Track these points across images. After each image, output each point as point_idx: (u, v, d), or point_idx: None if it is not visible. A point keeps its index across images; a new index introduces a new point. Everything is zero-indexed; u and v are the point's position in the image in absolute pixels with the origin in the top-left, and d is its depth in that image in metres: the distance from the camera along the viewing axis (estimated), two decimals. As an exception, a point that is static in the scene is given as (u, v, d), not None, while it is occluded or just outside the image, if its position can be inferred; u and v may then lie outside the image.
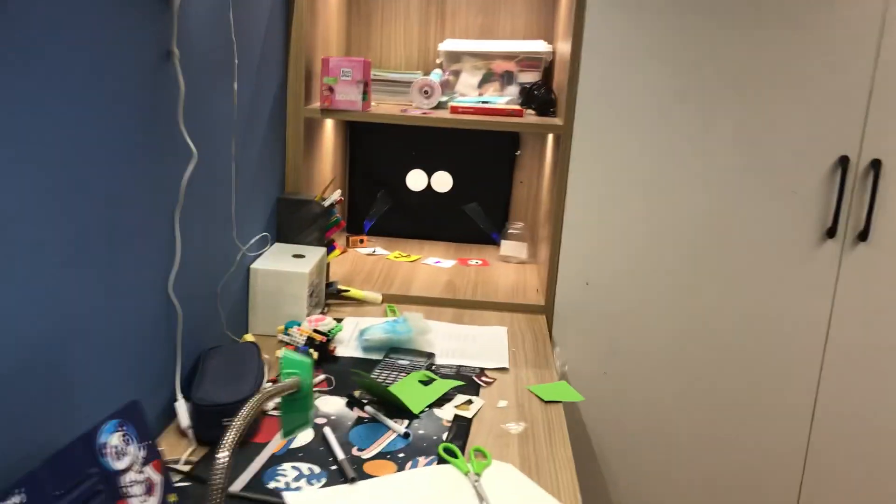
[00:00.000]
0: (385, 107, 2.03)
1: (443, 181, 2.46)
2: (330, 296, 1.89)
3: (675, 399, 1.95)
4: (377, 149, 2.45)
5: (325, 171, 2.19)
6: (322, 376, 1.48)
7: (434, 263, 2.24)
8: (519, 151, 2.45)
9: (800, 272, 1.86)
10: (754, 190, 1.83)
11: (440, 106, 2.07)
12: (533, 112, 2.09)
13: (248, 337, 1.62)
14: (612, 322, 1.92)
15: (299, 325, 1.61)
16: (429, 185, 2.46)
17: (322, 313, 1.82)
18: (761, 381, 1.92)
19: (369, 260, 2.24)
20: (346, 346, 1.64)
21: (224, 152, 1.44)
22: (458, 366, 1.57)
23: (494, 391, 1.49)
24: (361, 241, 2.36)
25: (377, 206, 2.45)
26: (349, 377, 1.49)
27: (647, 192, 1.85)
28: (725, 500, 1.99)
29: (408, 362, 1.55)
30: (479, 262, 2.28)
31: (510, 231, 2.32)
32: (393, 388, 1.41)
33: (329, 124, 2.20)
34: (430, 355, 1.59)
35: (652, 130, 1.82)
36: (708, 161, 1.82)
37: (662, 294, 1.90)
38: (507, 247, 2.30)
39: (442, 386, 1.45)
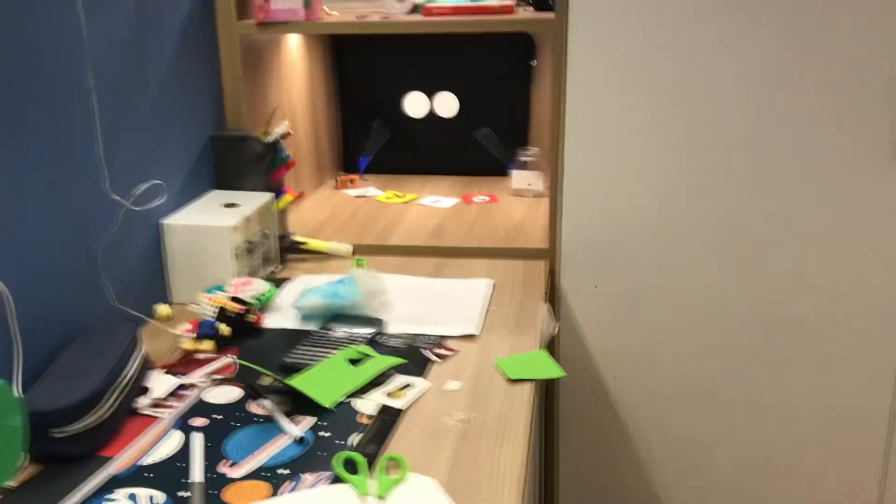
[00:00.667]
0: (346, 17, 1.66)
1: (447, 104, 2.08)
2: (287, 250, 1.57)
3: (717, 358, 1.55)
4: (367, 71, 2.09)
5: (294, 101, 1.85)
6: (228, 359, 1.16)
7: (431, 203, 1.89)
8: (535, 62, 2.04)
9: (877, 194, 1.42)
10: (810, 87, 1.38)
11: (417, 10, 1.69)
12: (530, 8, 1.68)
13: (163, 309, 1.32)
14: (633, 265, 1.53)
15: (224, 290, 1.30)
16: (431, 110, 2.09)
17: (273, 272, 1.50)
18: (829, 332, 1.50)
19: (355, 203, 1.91)
20: (283, 315, 1.32)
21: (71, 83, 1.12)
22: (412, 335, 1.23)
23: (448, 369, 1.14)
24: (351, 182, 2.02)
25: (372, 140, 2.10)
26: (267, 358, 1.18)
27: (671, 100, 1.43)
28: (793, 475, 1.59)
29: (345, 334, 1.22)
30: (487, 198, 1.91)
31: (522, 159, 1.93)
32: (302, 376, 1.08)
33: (295, 44, 1.85)
34: (378, 323, 1.25)
35: (673, 18, 1.39)
36: (748, 57, 1.38)
37: (696, 228, 1.49)
38: (520, 178, 1.92)
39: (375, 366, 1.11)
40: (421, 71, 2.06)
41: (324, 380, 1.07)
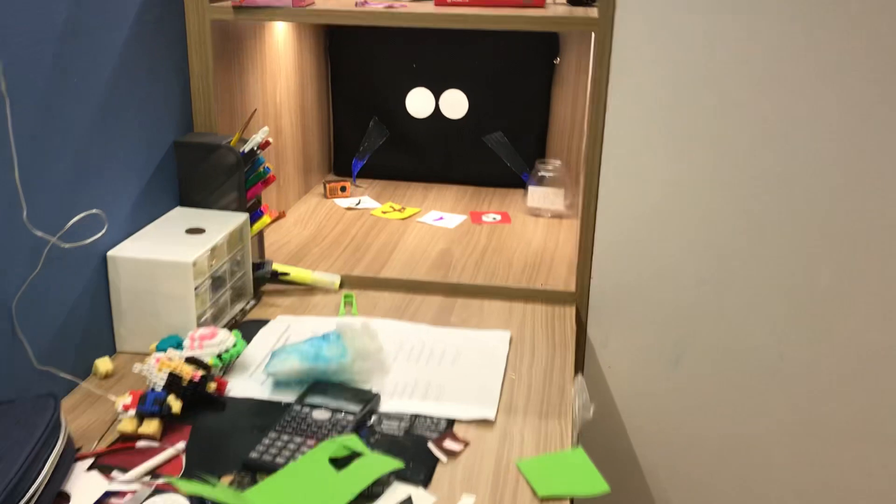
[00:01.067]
0: (344, 2, 1.39)
1: (455, 103, 1.82)
2: (263, 281, 1.31)
3: (771, 431, 1.30)
4: (365, 62, 1.82)
5: (279, 98, 1.58)
6: (173, 449, 0.91)
7: (434, 222, 1.63)
8: (558, 59, 1.78)
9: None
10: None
11: (428, -3, 1.42)
12: (564, 2, 1.41)
13: (103, 363, 1.06)
14: (677, 314, 1.28)
15: (179, 344, 1.05)
16: (437, 110, 1.82)
17: (244, 310, 1.25)
18: (912, 408, 1.26)
19: (346, 217, 1.64)
20: (252, 379, 1.06)
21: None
22: (412, 417, 0.98)
23: (458, 473, 0.89)
24: (342, 190, 1.76)
25: (368, 141, 1.84)
26: (226, 444, 0.92)
27: (736, 119, 1.17)
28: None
29: (328, 415, 0.96)
30: (498, 216, 1.66)
31: (542, 173, 1.67)
32: (268, 485, 0.83)
33: (281, 30, 1.58)
34: (369, 398, 1.00)
35: (744, 18, 1.13)
36: (836, 68, 1.13)
37: (756, 276, 1.24)
38: (537, 195, 1.66)
39: (364, 472, 0.85)
40: (426, 64, 1.80)
41: (298, 492, 0.82)
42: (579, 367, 1.31)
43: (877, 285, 1.20)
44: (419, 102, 1.82)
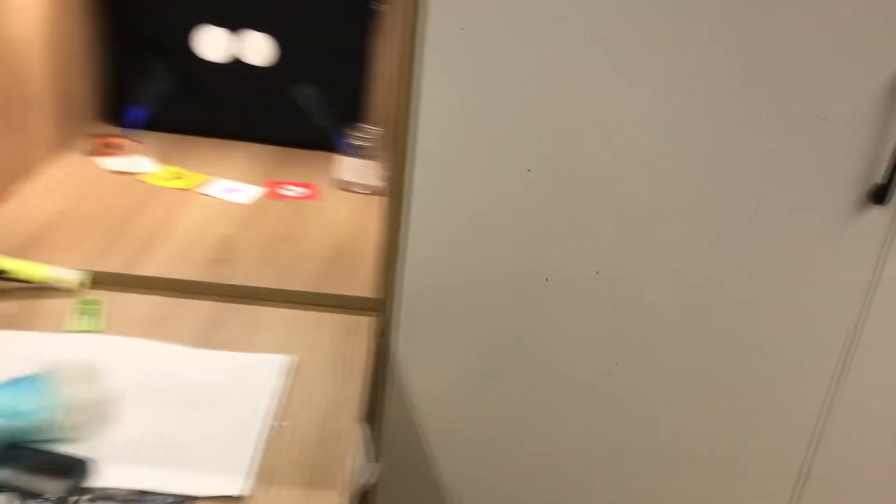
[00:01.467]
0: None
1: (258, 48, 1.53)
2: (-25, 279, 1.01)
3: (590, 457, 1.16)
4: (148, -8, 1.49)
5: (16, 35, 1.24)
6: None
7: (223, 194, 1.36)
8: (377, 4, 1.52)
9: (828, 251, 1.05)
10: (762, 121, 0.97)
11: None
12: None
13: None
14: (492, 325, 1.10)
15: None
16: (236, 54, 1.53)
17: (-57, 321, 0.95)
18: (735, 432, 1.14)
19: (111, 185, 1.34)
20: (-76, 429, 0.78)
21: None
22: (135, 493, 0.74)
23: (184, 587, 0.67)
24: (109, 147, 1.44)
25: (151, 87, 1.52)
26: None
27: (569, 113, 0.98)
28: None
29: (14, 500, 0.71)
30: (304, 191, 1.41)
31: (355, 141, 1.43)
32: None
33: (23, -55, 1.23)
34: (77, 470, 0.75)
35: (582, 8, 0.93)
36: (687, 73, 0.95)
37: (579, 286, 1.07)
38: (349, 167, 1.43)
39: None
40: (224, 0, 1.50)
41: None
42: (379, 392, 1.10)
43: (709, 301, 1.07)
44: (214, 44, 1.52)
